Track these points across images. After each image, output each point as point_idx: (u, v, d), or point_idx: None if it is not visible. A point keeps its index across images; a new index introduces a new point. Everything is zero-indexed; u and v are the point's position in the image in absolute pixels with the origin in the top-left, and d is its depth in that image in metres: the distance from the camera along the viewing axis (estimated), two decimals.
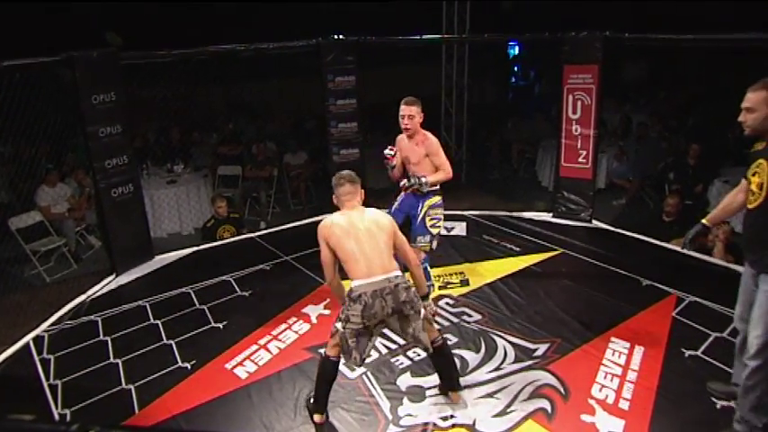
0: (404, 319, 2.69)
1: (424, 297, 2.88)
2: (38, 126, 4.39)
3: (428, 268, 3.88)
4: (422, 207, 3.71)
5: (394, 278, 2.63)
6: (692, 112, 8.51)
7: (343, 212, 2.77)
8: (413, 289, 2.72)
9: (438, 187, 3.75)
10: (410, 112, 3.65)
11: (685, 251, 2.96)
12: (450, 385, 3.00)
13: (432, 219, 3.71)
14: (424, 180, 3.65)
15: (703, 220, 2.88)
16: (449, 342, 3.52)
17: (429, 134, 3.73)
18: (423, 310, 2.74)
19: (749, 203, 2.57)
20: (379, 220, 2.75)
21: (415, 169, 3.74)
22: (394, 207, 3.87)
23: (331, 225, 2.70)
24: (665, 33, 4.73)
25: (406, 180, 3.72)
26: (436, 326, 3.07)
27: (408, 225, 3.76)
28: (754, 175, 2.53)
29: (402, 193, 3.86)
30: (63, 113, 4.62)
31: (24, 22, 7.83)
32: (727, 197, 2.86)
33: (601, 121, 5.54)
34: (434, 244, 3.78)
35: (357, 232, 2.67)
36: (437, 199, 3.74)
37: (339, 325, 2.66)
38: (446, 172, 3.69)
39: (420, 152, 3.70)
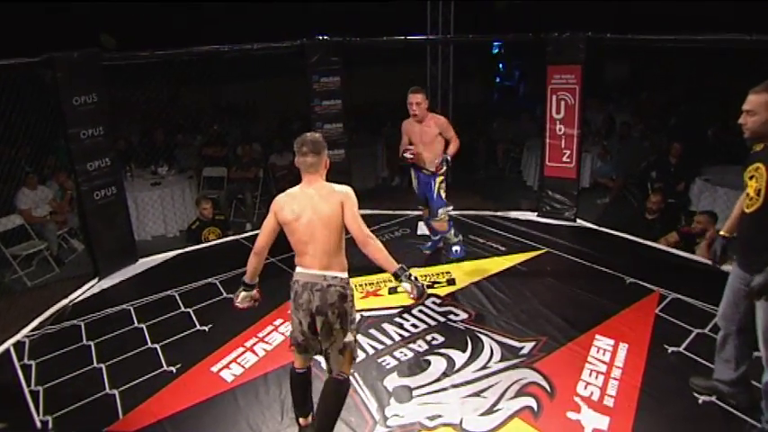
0: (326, 327, 2.53)
1: (396, 275, 2.55)
2: (18, 127, 4.32)
3: (452, 228, 4.59)
4: (435, 185, 4.38)
5: (331, 278, 2.50)
6: (674, 111, 8.63)
7: (301, 190, 2.57)
8: (350, 303, 2.56)
9: (444, 168, 4.38)
10: (417, 100, 4.21)
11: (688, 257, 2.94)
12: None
13: (443, 190, 4.44)
14: (449, 158, 4.30)
15: (721, 232, 2.86)
16: (435, 341, 3.55)
17: (435, 114, 4.38)
18: (350, 338, 2.58)
19: (746, 207, 2.56)
20: (332, 206, 2.50)
21: (427, 148, 4.32)
22: (417, 191, 4.58)
23: (283, 204, 2.55)
24: (648, 34, 4.79)
25: (439, 162, 4.28)
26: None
27: (426, 202, 4.53)
28: (751, 178, 2.50)
29: (413, 174, 4.53)
30: (44, 115, 4.55)
31: (17, 24, 7.70)
32: (738, 203, 2.81)
33: (584, 120, 5.60)
34: (449, 208, 4.50)
35: (308, 219, 2.49)
36: (442, 176, 4.43)
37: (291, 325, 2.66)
38: (458, 143, 4.34)
39: (433, 132, 4.28)
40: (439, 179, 4.37)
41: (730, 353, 2.81)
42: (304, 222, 2.50)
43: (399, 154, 4.44)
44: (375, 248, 2.52)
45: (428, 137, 4.28)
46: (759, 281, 2.42)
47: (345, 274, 2.58)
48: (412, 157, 4.31)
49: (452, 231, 4.60)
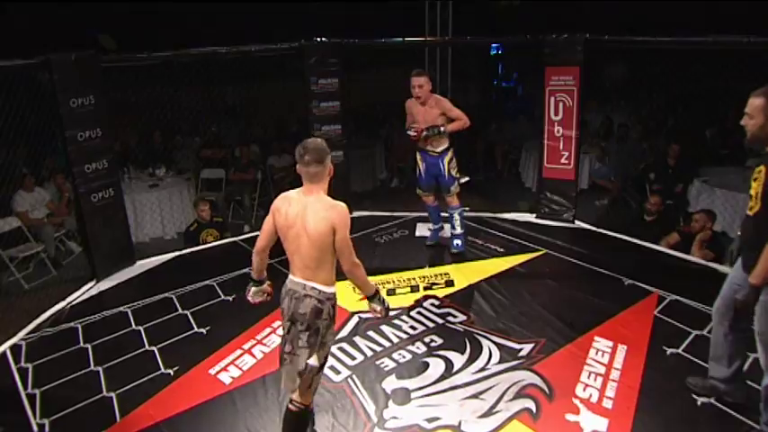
0: (295, 337, 2.49)
1: (370, 298, 2.66)
2: (14, 129, 4.30)
3: (463, 213, 4.76)
4: (443, 165, 4.53)
5: (309, 289, 2.46)
6: (672, 113, 8.63)
7: (299, 197, 2.48)
8: (325, 322, 2.50)
9: (448, 144, 4.50)
10: (419, 83, 4.32)
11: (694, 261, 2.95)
12: None
13: (453, 168, 4.58)
14: (443, 129, 4.39)
15: (738, 233, 2.87)
16: (434, 343, 3.54)
17: (438, 96, 4.50)
18: (314, 362, 2.49)
19: (748, 209, 2.57)
20: (322, 227, 2.39)
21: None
22: (423, 175, 4.67)
23: (280, 206, 2.50)
24: (646, 36, 4.79)
25: (425, 130, 4.38)
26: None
27: (437, 184, 4.67)
28: (755, 180, 2.52)
29: (419, 157, 4.63)
30: (41, 117, 4.53)
31: (15, 24, 7.69)
32: None
33: (583, 122, 5.60)
34: (460, 181, 4.66)
35: (297, 232, 2.44)
36: (451, 154, 4.55)
37: None
38: (464, 121, 4.42)
39: (435, 113, 4.40)
40: (447, 158, 4.51)
41: (723, 350, 2.83)
42: (294, 233, 2.47)
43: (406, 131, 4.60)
44: (358, 276, 2.55)
45: (430, 117, 4.41)
46: (744, 295, 2.45)
47: (329, 289, 2.50)
48: (416, 134, 4.42)
49: (460, 220, 4.73)
